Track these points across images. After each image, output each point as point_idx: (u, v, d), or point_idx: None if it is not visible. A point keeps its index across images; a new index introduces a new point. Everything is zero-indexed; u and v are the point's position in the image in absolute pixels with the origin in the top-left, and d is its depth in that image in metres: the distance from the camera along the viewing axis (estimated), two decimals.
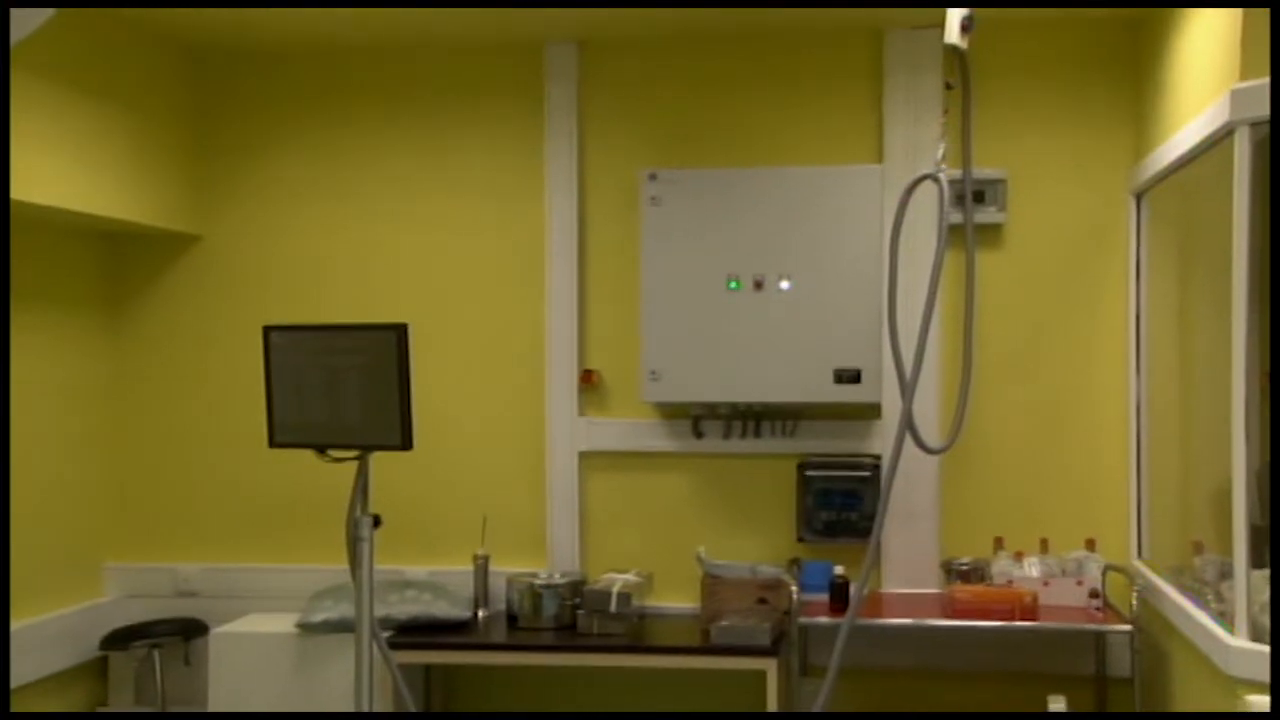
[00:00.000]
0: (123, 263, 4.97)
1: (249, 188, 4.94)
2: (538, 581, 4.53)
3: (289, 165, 4.92)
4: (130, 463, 4.97)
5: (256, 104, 4.93)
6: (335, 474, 3.79)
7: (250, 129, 4.93)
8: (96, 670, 4.78)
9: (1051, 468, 4.60)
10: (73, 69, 4.04)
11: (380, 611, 4.34)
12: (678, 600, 4.70)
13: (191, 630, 4.75)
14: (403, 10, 4.33)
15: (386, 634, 4.31)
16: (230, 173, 4.94)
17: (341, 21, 4.47)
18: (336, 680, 4.35)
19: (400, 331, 3.74)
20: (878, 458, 4.59)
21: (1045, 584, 4.29)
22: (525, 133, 4.82)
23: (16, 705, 4.23)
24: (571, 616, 4.45)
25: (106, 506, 4.92)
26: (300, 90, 4.91)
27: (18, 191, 3.77)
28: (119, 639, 4.66)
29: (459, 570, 4.74)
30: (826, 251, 4.44)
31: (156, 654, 4.67)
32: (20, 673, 4.22)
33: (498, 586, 4.67)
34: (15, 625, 4.29)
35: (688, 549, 4.64)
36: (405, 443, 3.77)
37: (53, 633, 4.51)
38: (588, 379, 4.79)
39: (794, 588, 4.30)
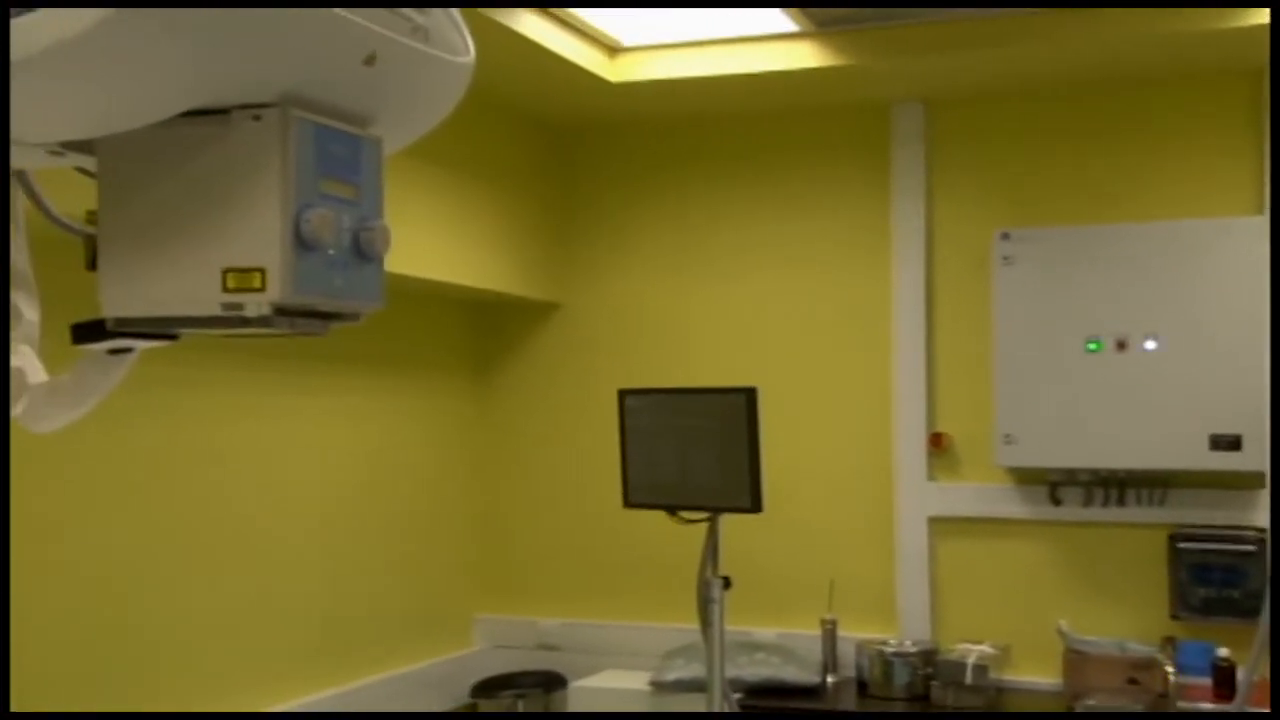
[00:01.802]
0: (489, 329, 5.18)
1: (605, 256, 5.06)
2: (888, 649, 4.38)
3: (642, 233, 5.01)
4: (496, 518, 5.15)
5: (611, 176, 5.06)
6: (686, 534, 3.79)
7: (606, 200, 5.07)
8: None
9: None
10: (447, 150, 4.27)
11: (730, 673, 4.29)
12: (1037, 675, 4.42)
13: (552, 683, 4.84)
14: (754, 81, 4.35)
15: (737, 695, 4.26)
16: (588, 242, 5.08)
17: (693, 94, 4.54)
18: None
19: (750, 395, 3.72)
20: (1262, 530, 4.19)
21: None
22: (871, 194, 4.73)
23: None
24: (924, 686, 4.27)
25: (475, 560, 5.11)
26: (652, 161, 5.00)
27: (403, 266, 3.99)
28: (488, 688, 4.80)
29: (806, 634, 4.64)
30: (1198, 309, 4.12)
31: (521, 704, 4.79)
32: None
33: (846, 652, 4.54)
34: (394, 672, 4.50)
35: (1046, 621, 4.36)
36: (755, 505, 3.73)
37: (429, 679, 4.69)
38: (937, 442, 4.62)
39: (1169, 669, 3.96)
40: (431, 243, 4.29)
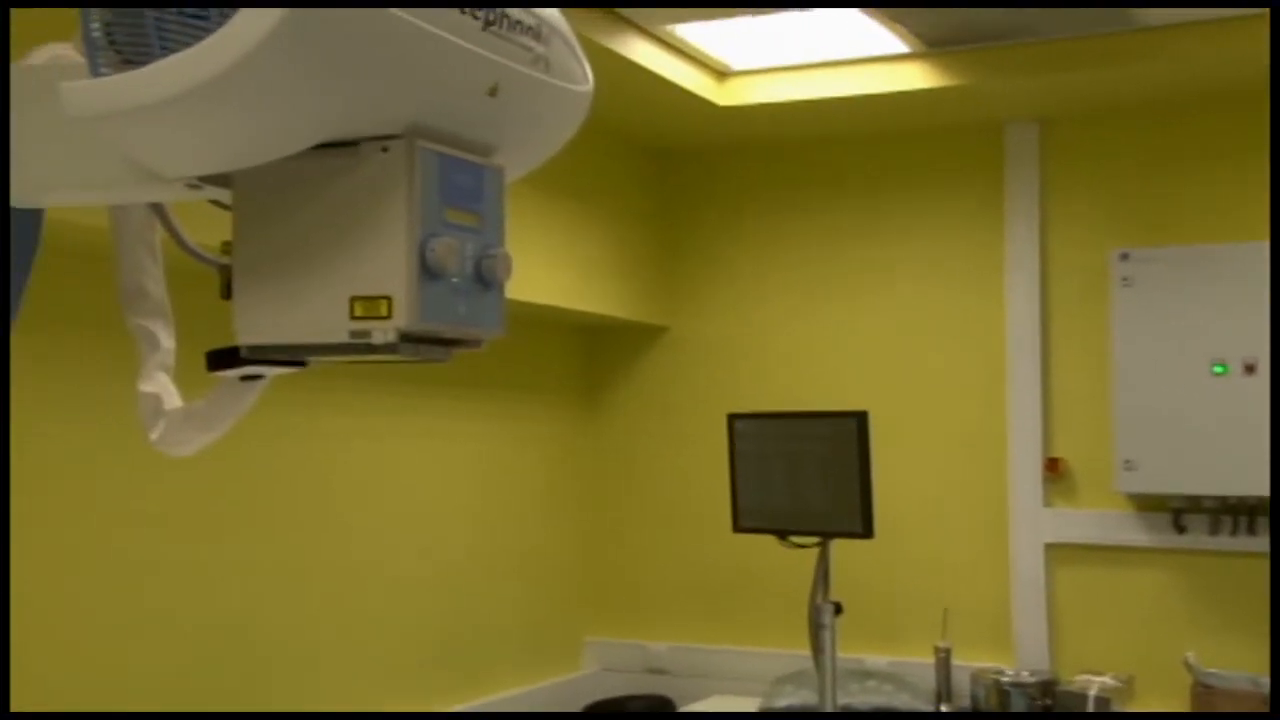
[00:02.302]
0: (596, 353, 5.21)
1: (713, 279, 5.07)
2: (1005, 679, 4.31)
3: (749, 256, 5.01)
4: (606, 541, 5.17)
5: (719, 200, 5.07)
6: (796, 559, 3.77)
7: (713, 223, 5.08)
8: None
9: None
10: (555, 175, 4.30)
11: (842, 700, 4.25)
12: (1162, 708, 4.31)
13: (661, 707, 4.85)
14: (862, 103, 4.34)
15: None
16: (695, 266, 5.09)
17: (801, 117, 4.54)
18: None
19: (860, 418, 3.70)
20: None
21: None
22: (983, 216, 4.68)
23: None
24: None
25: (586, 583, 5.13)
26: (760, 185, 5.01)
27: (513, 291, 4.03)
28: (598, 713, 4.83)
29: (919, 662, 4.58)
30: None
31: None
32: None
33: (960, 681, 4.47)
34: (505, 694, 4.53)
35: (1171, 653, 4.26)
36: (866, 531, 3.72)
37: (539, 702, 4.71)
38: (1054, 468, 4.54)
39: None
40: (541, 267, 4.34)
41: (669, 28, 3.83)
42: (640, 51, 3.85)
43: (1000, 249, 4.65)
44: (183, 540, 3.40)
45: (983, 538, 4.64)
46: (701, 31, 3.90)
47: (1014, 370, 4.61)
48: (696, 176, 5.11)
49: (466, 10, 1.37)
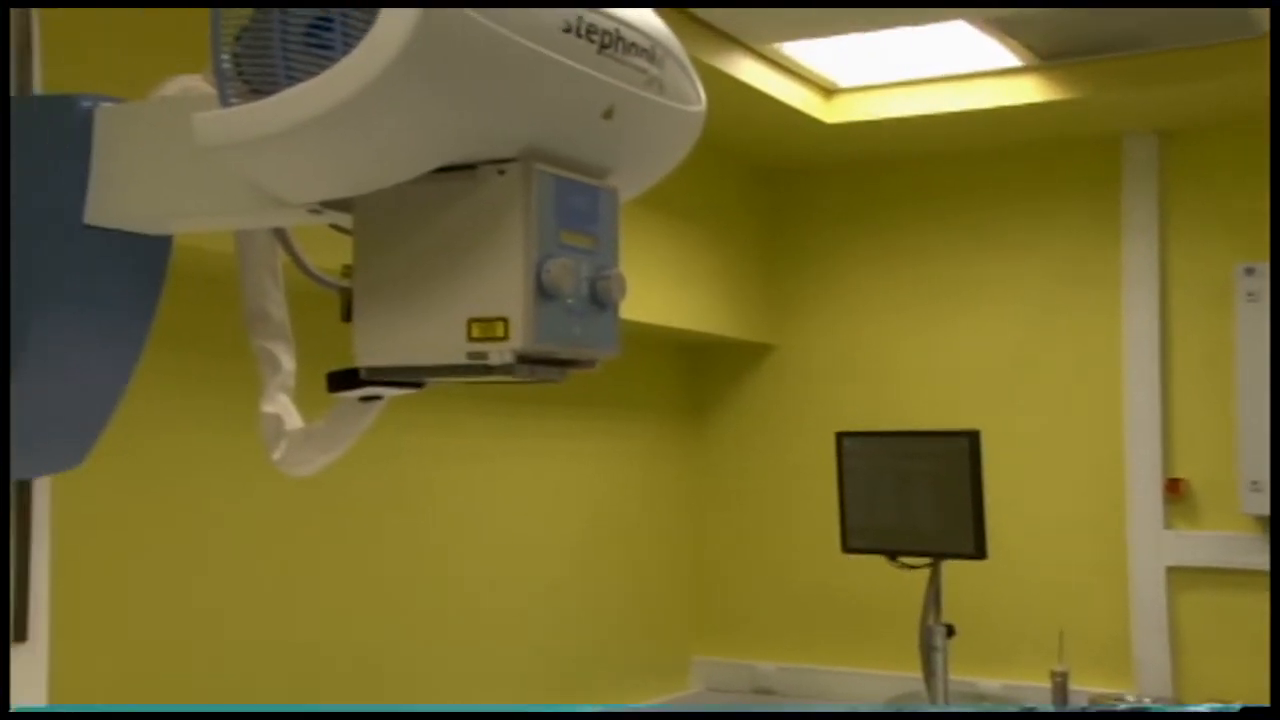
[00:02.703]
0: (702, 372, 5.21)
1: (819, 297, 5.04)
2: (1125, 704, 4.20)
3: (856, 274, 4.98)
4: (713, 559, 5.16)
5: (825, 216, 5.05)
6: (906, 579, 3.73)
7: (819, 240, 5.05)
8: None
9: None
10: (663, 194, 4.31)
11: None
12: None
13: None
14: (972, 118, 4.30)
15: None
16: (801, 283, 5.07)
17: (910, 133, 4.50)
18: None
19: (973, 437, 3.66)
20: None
21: None
22: (1100, 230, 4.60)
23: None
24: None
25: (693, 601, 5.12)
26: (866, 201, 4.97)
27: (625, 312, 4.05)
28: None
29: (1034, 685, 4.49)
30: None
31: None
32: None
33: (1076, 705, 4.37)
34: (612, 711, 4.53)
35: None
36: (979, 552, 3.66)
37: None
38: (1175, 489, 4.43)
39: None
40: (649, 286, 4.36)
41: (776, 46, 3.83)
42: (747, 70, 3.85)
43: (1117, 264, 4.57)
44: (299, 552, 3.47)
45: (1100, 560, 4.54)
46: (809, 49, 3.89)
47: (1132, 388, 4.51)
48: (803, 194, 5.09)
49: (582, 34, 1.38)
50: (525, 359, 1.41)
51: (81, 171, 1.50)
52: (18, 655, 1.65)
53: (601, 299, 1.50)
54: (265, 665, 3.33)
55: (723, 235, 4.84)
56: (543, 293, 1.39)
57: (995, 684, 4.58)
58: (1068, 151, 4.65)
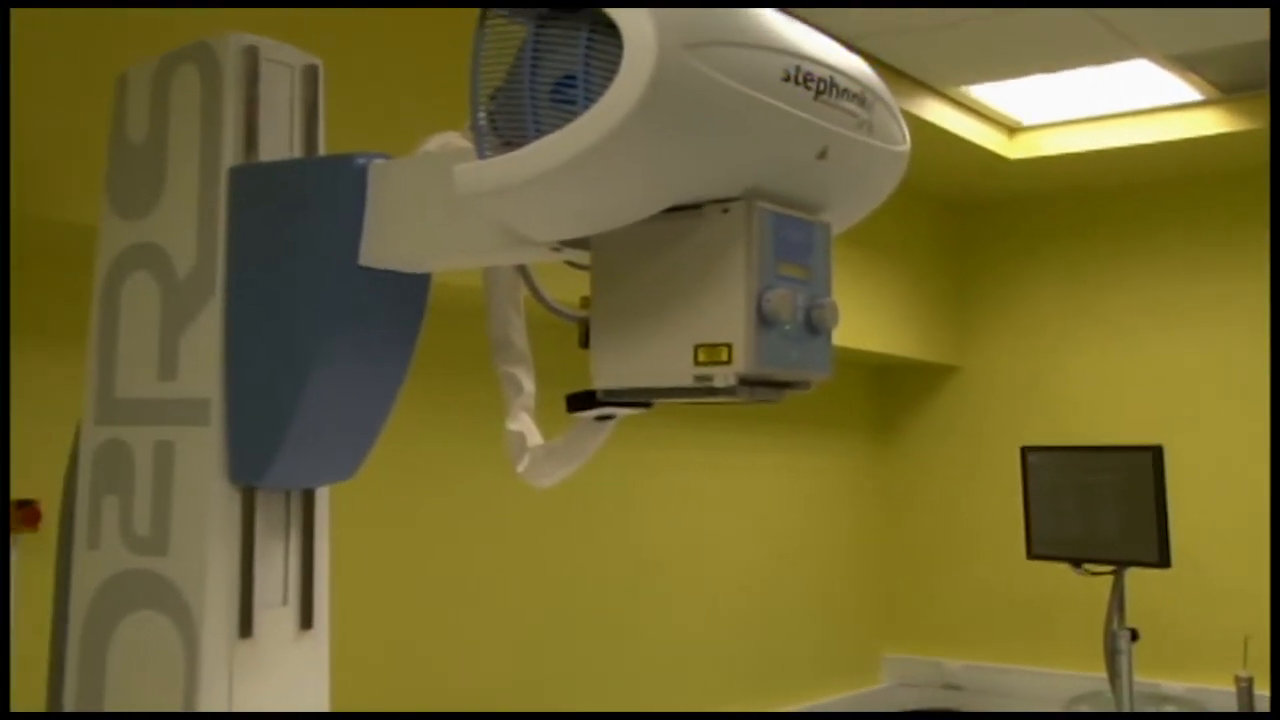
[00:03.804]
0: (890, 391, 5.10)
1: (1001, 321, 4.88)
2: None
3: (1036, 299, 4.81)
4: (901, 565, 5.03)
5: (1006, 246, 4.89)
6: (1089, 585, 3.56)
7: (1001, 268, 4.89)
8: None
9: None
10: (862, 228, 4.24)
11: None
12: None
13: None
14: (1152, 151, 4.10)
15: None
16: (984, 309, 4.92)
17: (1091, 167, 4.33)
18: None
19: (1156, 452, 3.48)
20: None
21: None
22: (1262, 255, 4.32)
23: None
24: None
25: (884, 602, 5.00)
26: (1046, 232, 4.80)
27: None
28: None
29: (1219, 690, 4.23)
30: None
31: None
32: None
33: (1264, 710, 4.10)
34: (809, 704, 4.46)
35: None
36: (1163, 560, 3.48)
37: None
38: None
39: None
40: (844, 312, 4.27)
41: (962, 88, 3.72)
42: (934, 111, 3.76)
43: None
44: (528, 551, 3.51)
45: None
46: (993, 91, 3.77)
47: None
48: (986, 226, 4.94)
49: (800, 82, 1.35)
50: (747, 381, 1.39)
51: (357, 220, 1.54)
52: (303, 639, 1.69)
53: (816, 325, 1.47)
54: (493, 647, 3.37)
55: (911, 265, 4.73)
56: (763, 320, 1.37)
57: (1179, 687, 4.33)
58: (1248, 180, 4.38)
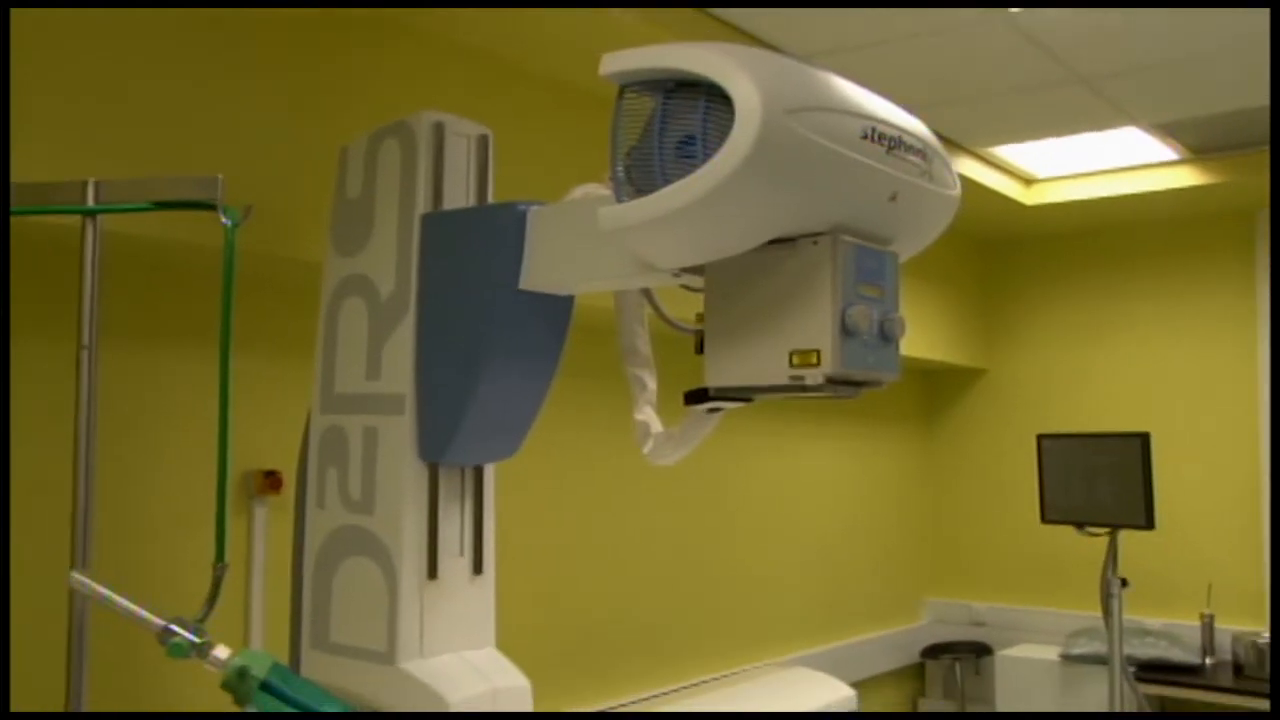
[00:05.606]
0: (932, 390, 4.90)
1: (1022, 333, 4.66)
2: (1261, 640, 3.65)
3: (1051, 316, 4.58)
4: (939, 527, 4.83)
5: (1027, 273, 4.66)
6: (1090, 543, 3.35)
7: (1022, 290, 4.67)
8: (916, 673, 4.64)
9: None
10: (912, 259, 4.09)
11: (1125, 651, 3.74)
12: None
13: (981, 651, 4.45)
14: (1141, 199, 3.87)
15: (1131, 669, 3.70)
16: (1009, 323, 4.70)
17: (1093, 211, 4.10)
18: (1090, 698, 3.81)
19: (1144, 438, 3.31)
20: None
21: None
22: (1238, 281, 4.04)
23: (867, 697, 4.17)
24: None
25: (927, 557, 4.81)
26: (1059, 261, 4.56)
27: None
28: (932, 652, 4.49)
29: (1188, 624, 3.97)
30: None
31: (958, 665, 4.43)
32: (859, 670, 4.17)
33: (1222, 641, 3.83)
34: (864, 636, 4.28)
35: None
36: (1149, 523, 3.30)
37: (889, 644, 4.43)
38: None
39: None
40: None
41: (990, 149, 3.55)
42: (965, 166, 3.58)
43: (1254, 307, 4.01)
44: (644, 521, 3.42)
45: (1241, 528, 3.98)
46: (1014, 150, 3.59)
47: (1264, 399, 3.93)
48: (1009, 258, 4.72)
49: (875, 139, 1.27)
50: (832, 380, 1.32)
51: (518, 253, 1.49)
52: (476, 581, 1.64)
53: (888, 335, 1.38)
54: (623, 589, 3.29)
55: (950, 288, 4.54)
56: (846, 331, 1.30)
57: (1157, 622, 4.07)
58: (1214, 223, 4.11)
